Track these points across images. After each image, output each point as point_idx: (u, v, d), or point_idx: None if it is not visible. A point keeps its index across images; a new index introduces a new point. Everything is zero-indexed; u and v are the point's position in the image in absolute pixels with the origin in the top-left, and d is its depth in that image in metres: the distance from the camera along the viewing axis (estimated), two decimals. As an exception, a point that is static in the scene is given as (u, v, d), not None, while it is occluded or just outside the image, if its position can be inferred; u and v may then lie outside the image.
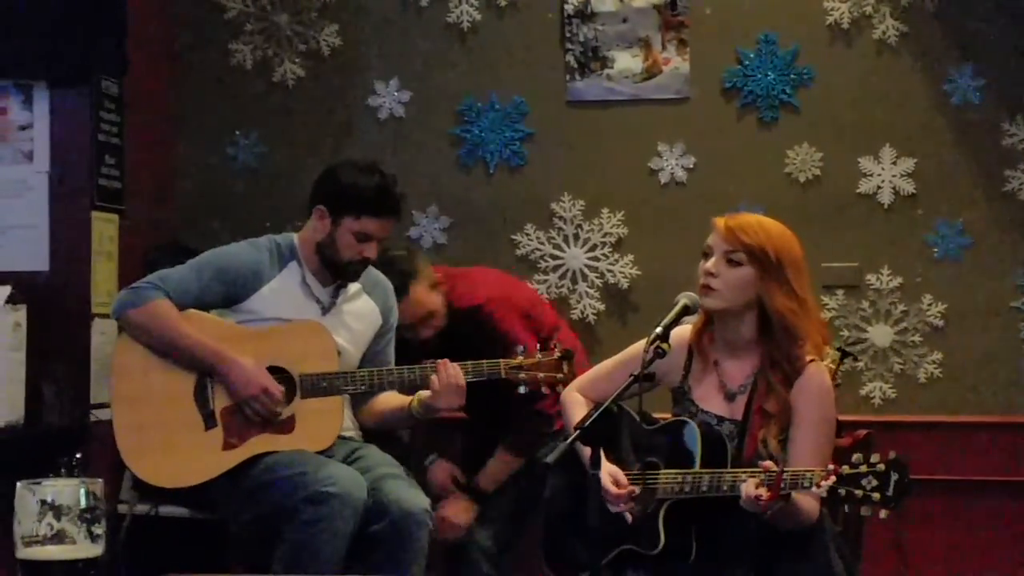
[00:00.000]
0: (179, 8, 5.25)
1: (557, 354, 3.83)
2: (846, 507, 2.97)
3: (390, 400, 4.03)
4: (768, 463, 3.03)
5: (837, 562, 3.23)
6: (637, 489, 3.24)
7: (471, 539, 4.31)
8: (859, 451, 2.97)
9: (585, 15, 4.97)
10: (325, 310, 3.97)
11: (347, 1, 5.15)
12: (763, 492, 2.97)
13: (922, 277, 4.79)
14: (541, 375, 3.81)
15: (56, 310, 4.49)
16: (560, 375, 3.81)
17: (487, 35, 5.06)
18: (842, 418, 3.47)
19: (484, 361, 3.82)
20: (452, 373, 3.77)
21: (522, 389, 3.81)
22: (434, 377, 3.78)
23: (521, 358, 3.82)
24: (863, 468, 2.92)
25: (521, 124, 5.03)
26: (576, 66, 4.98)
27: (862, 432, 3.55)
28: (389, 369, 3.95)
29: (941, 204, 4.79)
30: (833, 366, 3.91)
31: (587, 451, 3.10)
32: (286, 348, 3.84)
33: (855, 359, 4.59)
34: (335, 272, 3.96)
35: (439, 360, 3.81)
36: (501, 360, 3.83)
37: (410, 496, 3.74)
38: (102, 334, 4.53)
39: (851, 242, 4.82)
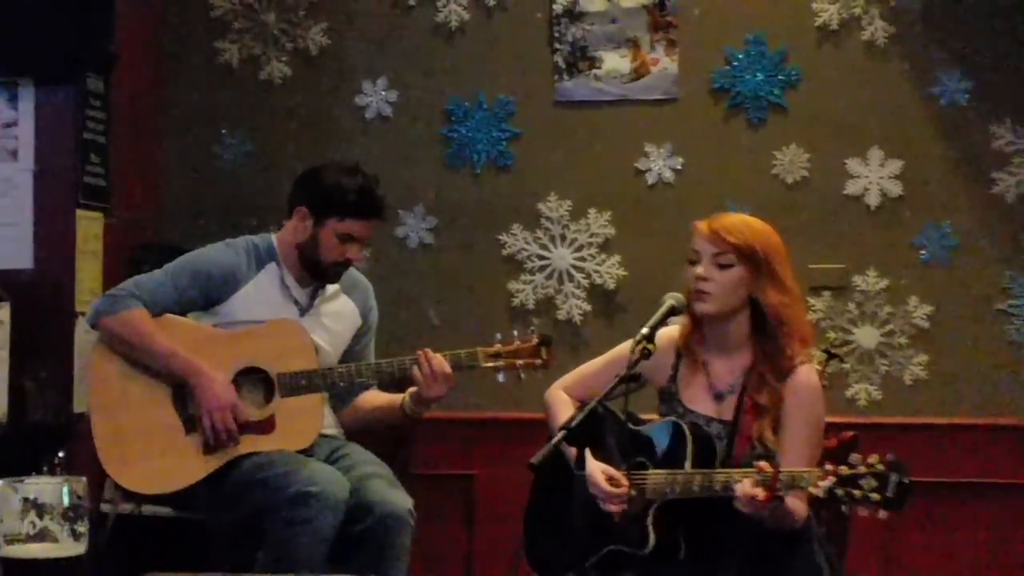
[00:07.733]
0: (166, 6, 5.23)
1: (535, 340, 3.79)
2: (844, 508, 2.95)
3: (376, 399, 4.01)
4: (763, 464, 3.01)
5: (823, 563, 3.22)
6: (634, 490, 3.22)
7: None
8: (845, 453, 2.96)
9: (573, 15, 4.96)
10: (303, 311, 3.94)
11: (335, 0, 5.14)
12: (759, 492, 2.96)
13: (908, 279, 4.80)
14: (520, 362, 3.77)
15: (40, 308, 4.47)
16: (539, 361, 3.77)
17: (475, 35, 5.05)
18: (828, 419, 3.47)
19: (461, 350, 3.78)
20: (435, 362, 3.74)
21: (501, 377, 3.79)
22: (415, 369, 3.76)
23: (499, 345, 3.77)
24: (861, 469, 2.90)
25: (508, 124, 5.01)
26: (564, 66, 4.97)
27: (848, 434, 3.54)
28: (367, 363, 3.90)
29: (928, 206, 4.79)
30: (819, 367, 3.91)
31: (573, 452, 3.09)
32: (263, 348, 3.82)
33: (841, 361, 4.59)
34: (316, 273, 3.93)
35: (420, 350, 3.77)
36: (479, 348, 3.78)
37: (393, 496, 3.72)
38: (86, 332, 4.48)
39: (838, 244, 4.82)
